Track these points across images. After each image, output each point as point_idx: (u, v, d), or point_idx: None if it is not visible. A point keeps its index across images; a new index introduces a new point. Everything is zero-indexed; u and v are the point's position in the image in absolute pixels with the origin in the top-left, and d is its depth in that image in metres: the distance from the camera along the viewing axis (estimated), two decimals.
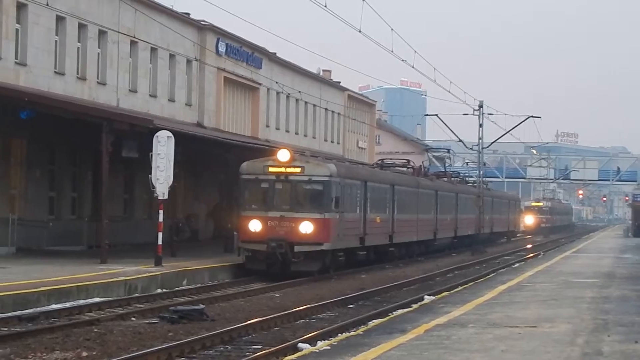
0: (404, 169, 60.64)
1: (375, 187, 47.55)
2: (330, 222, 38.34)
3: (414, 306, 26.64)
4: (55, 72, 47.47)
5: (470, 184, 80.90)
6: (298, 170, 38.24)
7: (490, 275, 40.12)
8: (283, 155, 38.11)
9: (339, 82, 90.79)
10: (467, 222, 71.22)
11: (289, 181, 38.12)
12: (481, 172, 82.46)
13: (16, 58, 44.52)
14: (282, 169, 38.11)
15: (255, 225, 37.18)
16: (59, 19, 47.73)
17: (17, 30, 44.70)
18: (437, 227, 61.01)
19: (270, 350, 19.21)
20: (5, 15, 43.48)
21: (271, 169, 38.19)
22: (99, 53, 51.62)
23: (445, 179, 73.56)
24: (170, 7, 58.27)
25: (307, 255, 37.32)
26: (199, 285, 34.76)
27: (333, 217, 38.89)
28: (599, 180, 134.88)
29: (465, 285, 34.16)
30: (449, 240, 66.29)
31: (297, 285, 35.15)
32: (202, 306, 26.51)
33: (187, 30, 60.64)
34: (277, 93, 75.12)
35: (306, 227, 37.09)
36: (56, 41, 48.00)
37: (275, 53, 73.09)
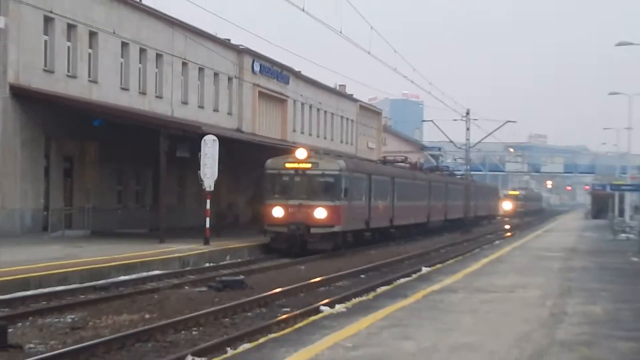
0: (403, 164, 60.40)
1: (378, 179, 47.37)
2: (340, 209, 38.26)
3: (414, 276, 26.72)
4: (121, 88, 47.87)
5: (458, 177, 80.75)
6: (313, 165, 38.33)
7: (476, 251, 40.05)
8: (301, 153, 38.33)
9: (352, 95, 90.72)
10: (456, 207, 70.62)
11: (306, 174, 38.29)
12: (468, 167, 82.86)
13: (89, 76, 44.97)
14: (300, 165, 38.20)
15: (278, 212, 37.23)
16: (124, 45, 48.02)
17: (89, 54, 45.01)
18: (430, 212, 60.84)
19: (297, 312, 19.56)
20: (80, 42, 43.85)
21: (291, 165, 38.30)
22: (156, 72, 52.07)
23: (438, 172, 73.39)
24: (214, 34, 58.61)
25: (321, 236, 37.49)
26: (239, 260, 34.79)
27: (343, 204, 38.78)
28: (564, 172, 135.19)
29: (456, 259, 34.10)
30: (441, 222, 65.93)
31: (318, 260, 35.17)
32: (241, 277, 26.83)
33: (228, 53, 61.08)
34: (302, 104, 75.13)
35: (320, 213, 37.22)
36: (121, 62, 48.34)
37: (300, 71, 73.03)
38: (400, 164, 60.35)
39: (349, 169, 41.27)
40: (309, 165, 38.26)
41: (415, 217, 56.44)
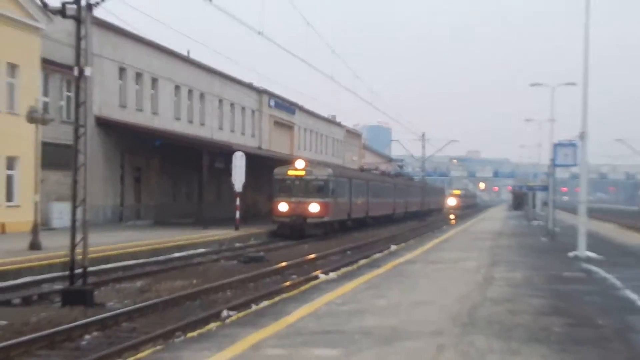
0: (375, 171, 60.12)
1: (356, 182, 46.67)
2: (328, 204, 37.87)
3: (385, 252, 26.68)
4: (175, 118, 48.08)
5: (416, 180, 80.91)
6: (307, 172, 38.09)
7: (429, 234, 40.10)
8: (299, 163, 38.31)
9: (340, 122, 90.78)
10: (414, 203, 69.88)
11: (303, 179, 37.88)
12: (423, 174, 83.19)
13: (151, 110, 45.24)
14: (299, 172, 37.94)
15: (283, 207, 36.85)
16: (176, 87, 48.32)
17: (151, 94, 45.23)
18: (395, 206, 60.28)
19: (302, 278, 19.62)
20: (145, 85, 43.98)
21: (292, 172, 38.00)
22: (200, 107, 52.26)
23: (401, 177, 72.54)
24: (241, 79, 58.70)
25: (315, 224, 37.22)
26: (260, 241, 34.69)
27: (330, 201, 38.34)
28: (492, 177, 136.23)
29: (415, 240, 34.19)
30: (403, 214, 64.89)
31: (314, 242, 34.84)
32: (262, 253, 26.88)
33: (252, 93, 61.69)
34: (304, 129, 75.26)
35: (314, 207, 36.88)
36: (175, 100, 48.50)
37: (303, 105, 73.06)
38: (373, 171, 60.04)
39: (336, 175, 40.78)
40: (304, 172, 38.01)
41: (384, 210, 55.83)
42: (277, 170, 38.70)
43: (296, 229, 35.95)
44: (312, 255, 27.37)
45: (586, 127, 24.02)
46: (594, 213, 59.67)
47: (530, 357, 8.18)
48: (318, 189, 37.77)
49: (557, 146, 29.43)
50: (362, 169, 62.06)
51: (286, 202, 36.82)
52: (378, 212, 52.63)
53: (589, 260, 21.42)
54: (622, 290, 14.51)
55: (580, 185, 26.48)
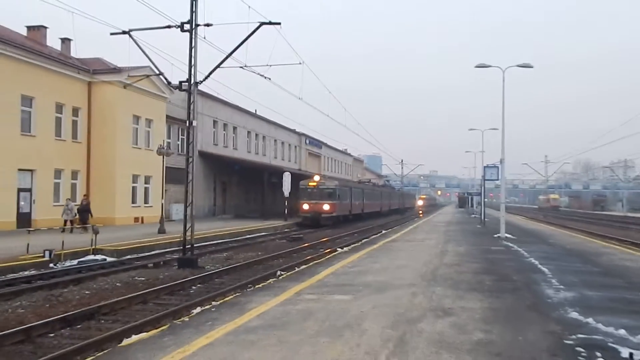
0: (368, 183, 57.74)
1: (355, 190, 44.08)
2: (335, 205, 35.91)
3: (378, 234, 26.44)
4: (247, 151, 47.89)
5: (397, 190, 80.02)
6: (321, 183, 36.76)
7: (406, 223, 39.85)
8: (316, 177, 37.74)
9: (350, 153, 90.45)
10: (395, 203, 67.63)
11: (318, 188, 36.05)
12: (402, 185, 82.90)
13: (233, 146, 45.08)
14: (315, 183, 36.61)
15: (305, 206, 35.49)
16: (249, 132, 48.24)
17: (233, 137, 45.26)
18: (382, 206, 57.39)
19: (327, 250, 19.31)
20: (229, 131, 44.01)
21: (311, 183, 36.64)
22: (263, 144, 51.92)
23: (386, 187, 70.51)
24: (288, 127, 58.49)
25: (327, 218, 35.19)
26: (299, 228, 33.92)
27: (337, 203, 36.30)
28: (445, 187, 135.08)
29: (397, 227, 34.02)
30: (388, 211, 61.43)
31: (333, 228, 34.09)
32: (301, 235, 26.73)
33: (294, 135, 61.20)
34: (328, 157, 74.83)
35: (326, 207, 35.15)
36: (247, 140, 48.28)
37: (326, 142, 72.83)
38: (366, 183, 57.98)
39: (340, 185, 39.01)
40: (319, 184, 36.73)
41: (374, 208, 53.23)
42: (301, 183, 37.62)
43: (314, 221, 34.63)
44: (333, 236, 27.05)
45: (504, 156, 24.25)
46: (510, 210, 59.72)
47: (470, 300, 8.12)
48: (328, 195, 35.91)
49: (485, 167, 30.09)
50: (360, 182, 59.75)
51: (308, 203, 35.41)
52: (370, 209, 50.65)
53: (507, 239, 21.20)
54: (528, 258, 14.35)
55: (500, 192, 26.62)
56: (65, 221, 23.13)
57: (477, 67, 22.90)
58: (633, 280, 10.63)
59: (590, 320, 6.79)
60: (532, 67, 22.52)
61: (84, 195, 25.76)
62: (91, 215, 23.86)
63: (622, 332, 6.19)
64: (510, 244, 18.78)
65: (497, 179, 28.44)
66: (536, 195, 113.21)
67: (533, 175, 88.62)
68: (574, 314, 7.17)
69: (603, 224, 42.55)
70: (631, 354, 5.29)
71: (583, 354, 5.41)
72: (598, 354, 5.36)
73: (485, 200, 39.57)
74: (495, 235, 22.73)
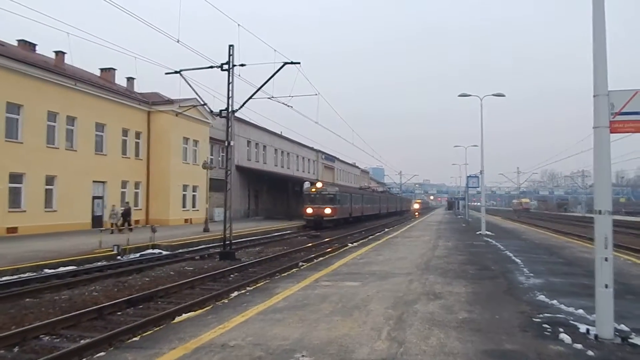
0: (369, 189, 55.36)
1: (355, 195, 39.80)
2: (336, 208, 31.90)
3: (382, 232, 26.18)
4: (274, 165, 47.77)
5: (396, 195, 78.83)
6: (323, 189, 32.51)
7: (404, 222, 39.49)
8: (318, 184, 33.45)
9: (357, 165, 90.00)
10: (393, 207, 64.35)
11: (320, 194, 31.91)
12: (400, 192, 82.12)
13: (264, 162, 45.00)
14: (317, 189, 32.51)
15: (309, 210, 31.62)
16: (276, 150, 48.11)
17: (263, 154, 45.14)
18: (380, 209, 53.37)
19: (339, 245, 19.06)
20: (260, 149, 43.98)
21: (313, 189, 32.60)
22: (287, 159, 51.66)
23: (386, 193, 67.39)
24: (307, 144, 58.23)
25: (328, 221, 31.10)
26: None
27: (337, 207, 32.26)
28: (437, 193, 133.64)
29: (397, 226, 33.74)
30: (386, 213, 57.37)
31: (338, 229, 33.58)
32: (319, 233, 26.50)
33: (312, 152, 60.56)
34: (340, 170, 74.36)
35: (327, 210, 31.18)
36: (274, 156, 48.25)
37: (338, 157, 72.56)
38: (367, 189, 54.77)
39: (340, 191, 34.46)
40: (321, 189, 32.64)
41: (374, 211, 48.27)
42: (305, 188, 33.62)
43: (317, 224, 30.70)
44: (344, 234, 26.70)
45: (483, 168, 24.03)
46: (489, 212, 58.62)
47: (457, 285, 8.03)
48: (330, 200, 32.09)
49: (468, 177, 29.88)
50: (361, 188, 56.17)
51: (311, 207, 31.78)
52: (369, 212, 45.55)
53: (487, 236, 20.90)
54: (504, 251, 14.12)
55: (481, 197, 26.27)
56: (112, 224, 22.07)
57: (459, 96, 22.79)
58: (590, 269, 10.28)
59: (554, 302, 6.69)
60: (504, 95, 22.40)
61: (126, 202, 24.60)
62: (130, 220, 22.67)
63: (580, 311, 6.09)
64: (490, 240, 18.53)
65: (478, 187, 28.16)
66: (510, 200, 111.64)
67: (507, 183, 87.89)
68: (542, 297, 7.07)
69: (565, 223, 41.78)
70: (588, 329, 5.21)
71: (548, 329, 5.34)
72: (561, 329, 5.29)
73: (469, 203, 39.16)
74: (477, 232, 22.45)
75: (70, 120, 23.67)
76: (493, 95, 22.51)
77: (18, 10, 40.68)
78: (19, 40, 24.97)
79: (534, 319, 5.78)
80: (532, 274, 9.39)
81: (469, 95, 22.75)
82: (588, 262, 11.74)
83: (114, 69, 30.17)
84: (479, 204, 31.81)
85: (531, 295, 7.30)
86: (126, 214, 22.56)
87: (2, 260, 12.39)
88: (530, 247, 15.66)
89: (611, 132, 5.04)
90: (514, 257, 12.35)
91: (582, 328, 5.31)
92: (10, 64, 20.13)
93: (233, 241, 16.62)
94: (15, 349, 6.08)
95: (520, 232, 24.85)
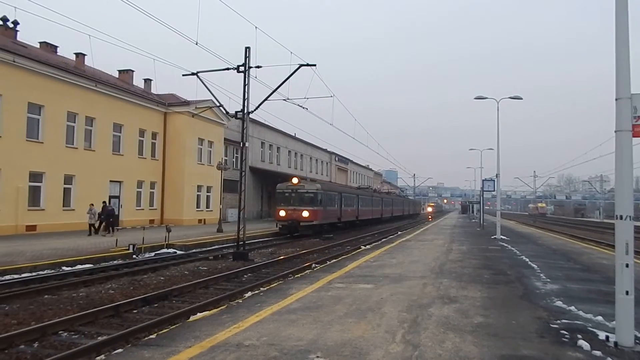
0: (368, 189, 44.02)
1: (347, 195, 32.01)
2: (317, 211, 25.10)
3: (395, 235, 25.92)
4: (288, 167, 47.74)
5: (410, 198, 75.96)
6: (300, 185, 25.31)
7: (416, 226, 39.15)
8: (294, 179, 25.94)
9: (371, 168, 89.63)
10: (399, 210, 55.20)
11: (297, 192, 25.04)
12: (414, 195, 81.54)
13: (277, 163, 45.09)
14: (293, 185, 25.32)
15: (282, 213, 24.72)
16: (289, 151, 48.20)
17: (277, 155, 45.27)
18: (382, 212, 43.85)
19: (352, 248, 18.90)
20: (273, 151, 44.04)
21: (288, 187, 25.51)
22: (301, 161, 51.66)
23: (394, 194, 60.93)
24: (320, 147, 58.26)
25: (306, 227, 24.55)
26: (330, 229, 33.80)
27: (319, 209, 25.32)
28: (450, 197, 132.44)
29: (410, 229, 33.47)
30: (389, 217, 48.04)
31: (356, 230, 32.94)
32: (332, 235, 25.75)
33: (326, 154, 60.40)
34: (353, 172, 74.07)
35: (305, 213, 24.45)
36: (288, 158, 48.24)
37: (352, 159, 72.36)
38: (366, 189, 42.99)
39: (324, 189, 26.98)
40: (296, 186, 25.49)
41: (374, 215, 40.45)
42: (278, 186, 26.33)
43: (292, 229, 24.63)
44: (357, 237, 26.27)
45: (499, 172, 23.73)
46: (504, 216, 58.02)
47: (472, 289, 7.95)
48: (309, 200, 25.30)
49: (484, 181, 29.40)
50: (359, 187, 44.40)
51: (284, 209, 25.00)
52: (368, 216, 38.02)
53: (502, 240, 20.65)
54: (520, 256, 13.94)
55: (496, 201, 25.94)
56: (90, 225, 19.99)
57: (475, 98, 22.58)
58: (608, 275, 10.21)
59: (572, 308, 6.58)
60: (521, 98, 22.07)
61: (103, 202, 21.60)
62: (111, 221, 20.60)
63: (599, 318, 5.98)
64: (505, 244, 18.31)
65: (493, 190, 27.83)
66: (526, 204, 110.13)
67: (523, 187, 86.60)
68: (559, 303, 6.96)
69: (583, 229, 41.03)
70: (607, 337, 5.12)
71: (566, 335, 5.25)
72: (579, 336, 5.20)
73: (484, 207, 38.72)
74: (492, 237, 22.17)
75: (89, 120, 24.09)
76: (510, 98, 22.23)
77: (41, 12, 41.50)
78: (40, 42, 25.53)
79: (552, 325, 5.69)
80: (549, 280, 9.25)
81: (485, 98, 22.53)
82: (606, 269, 11.52)
83: (132, 71, 30.62)
84: (493, 208, 31.30)
85: (548, 300, 7.19)
86: (108, 216, 20.45)
87: (22, 257, 12.66)
88: (547, 253, 15.41)
89: (634, 136, 4.96)
90: (530, 262, 12.17)
91: (601, 335, 5.21)
92: (32, 65, 20.59)
93: (246, 242, 16.58)
94: (35, 345, 6.19)
95: (536, 237, 24.48)
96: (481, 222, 34.53)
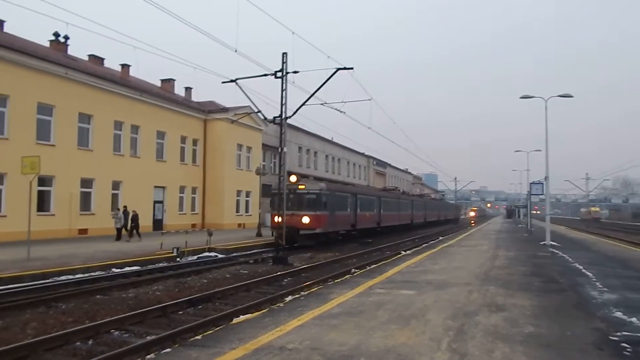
0: (395, 191, 37.74)
1: (362, 197, 26.80)
2: (321, 217, 20.72)
3: (436, 240, 25.33)
4: (325, 171, 47.68)
5: (440, 200, 65.54)
6: (301, 185, 20.99)
7: (459, 232, 38.13)
8: (292, 178, 21.18)
9: (410, 171, 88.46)
10: (433, 215, 49.41)
11: (296, 193, 20.86)
12: (455, 199, 79.60)
13: (314, 167, 45.12)
14: (291, 184, 20.81)
15: (277, 218, 18.83)
16: (327, 156, 48.24)
17: (314, 159, 45.30)
18: (412, 217, 38.65)
19: (393, 253, 18.41)
20: (311, 155, 44.14)
21: (287, 185, 19.12)
22: (338, 165, 51.59)
23: (424, 198, 53.59)
24: (358, 151, 57.72)
25: (306, 236, 20.44)
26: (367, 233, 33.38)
27: (324, 213, 20.95)
28: (494, 200, 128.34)
29: (452, 234, 32.65)
30: (421, 222, 42.32)
31: (397, 235, 32.05)
32: (371, 240, 25.44)
33: (364, 158, 60.11)
34: (391, 176, 73.28)
35: (305, 219, 20.23)
36: (325, 162, 48.22)
37: (390, 163, 71.66)
38: (393, 191, 37.36)
39: (330, 189, 22.15)
40: (295, 184, 21.10)
41: (403, 220, 35.51)
42: (274, 187, 21.15)
43: (289, 238, 19.66)
44: (397, 242, 25.75)
45: (548, 174, 22.69)
46: (553, 221, 55.43)
47: (521, 298, 7.67)
48: (311, 202, 20.93)
49: (532, 184, 28.15)
50: (384, 189, 38.58)
51: (280, 215, 19.69)
52: (392, 222, 32.79)
53: (552, 246, 19.78)
54: (573, 263, 13.30)
55: (545, 205, 24.88)
56: (118, 229, 20.11)
57: (521, 97, 21.80)
58: None
59: (634, 319, 6.21)
60: (572, 96, 21.08)
61: (124, 207, 21.53)
62: (135, 225, 20.85)
63: None
64: (556, 251, 17.53)
65: (542, 194, 26.72)
66: (577, 208, 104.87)
67: (574, 190, 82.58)
68: (618, 314, 6.58)
69: None
70: None
71: (628, 349, 4.96)
72: None
73: (531, 212, 37.25)
74: (541, 243, 21.30)
75: (134, 129, 25.22)
76: (559, 96, 21.29)
77: (89, 27, 44.02)
78: (89, 55, 27.03)
79: (611, 337, 5.39)
80: (605, 289, 8.78)
81: (532, 97, 21.70)
82: None
83: (174, 80, 31.82)
84: (541, 212, 30.03)
85: (606, 311, 6.82)
86: (133, 220, 20.91)
87: (75, 260, 13.39)
88: (603, 260, 14.64)
89: None
90: (584, 270, 11.60)
91: None
92: (82, 78, 21.84)
93: (285, 246, 16.61)
94: (90, 342, 6.54)
95: (589, 243, 23.30)
96: (529, 227, 33.22)
